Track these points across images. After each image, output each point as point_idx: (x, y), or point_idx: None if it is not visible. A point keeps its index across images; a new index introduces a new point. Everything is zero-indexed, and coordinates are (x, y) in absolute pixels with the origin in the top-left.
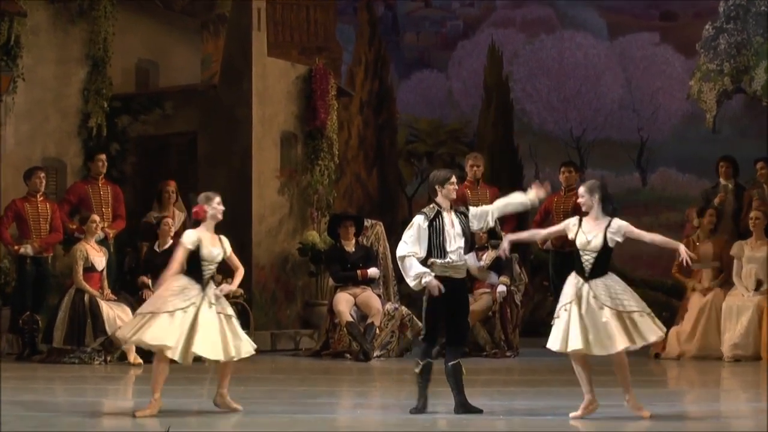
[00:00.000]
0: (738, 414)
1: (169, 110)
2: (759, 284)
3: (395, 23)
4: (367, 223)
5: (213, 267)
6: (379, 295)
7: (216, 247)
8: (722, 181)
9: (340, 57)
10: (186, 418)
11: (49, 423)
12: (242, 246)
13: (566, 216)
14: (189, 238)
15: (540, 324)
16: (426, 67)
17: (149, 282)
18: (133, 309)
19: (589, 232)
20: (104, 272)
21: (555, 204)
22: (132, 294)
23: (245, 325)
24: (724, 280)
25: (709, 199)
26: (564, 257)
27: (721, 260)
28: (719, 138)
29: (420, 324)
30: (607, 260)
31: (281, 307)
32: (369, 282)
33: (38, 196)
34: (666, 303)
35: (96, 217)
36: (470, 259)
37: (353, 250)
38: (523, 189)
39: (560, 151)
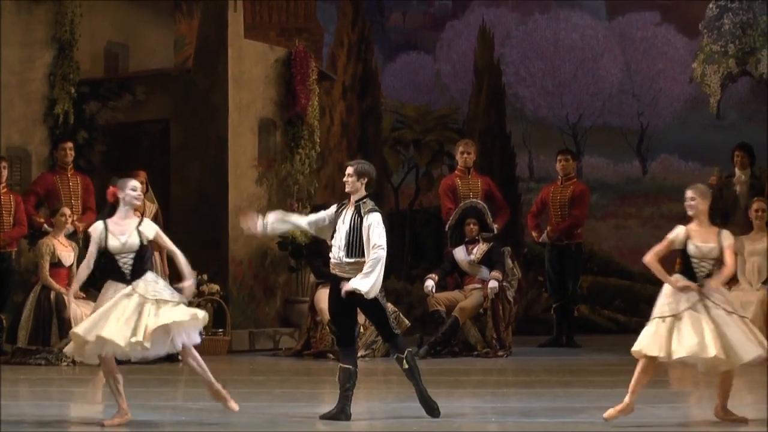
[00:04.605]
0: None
1: (140, 96)
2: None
3: (380, 2)
4: None
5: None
6: None
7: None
8: (737, 171)
9: (321, 38)
10: (158, 421)
11: (11, 429)
12: (218, 240)
13: (563, 207)
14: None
15: (534, 321)
16: (413, 49)
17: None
18: None
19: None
20: (73, 268)
21: (552, 194)
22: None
23: (222, 324)
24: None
25: (721, 191)
26: (560, 251)
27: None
28: (724, 124)
29: (407, 322)
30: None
31: (260, 304)
32: None
33: (1, 188)
34: None
35: (66, 211)
36: (460, 252)
37: None
38: (515, 177)
39: (555, 138)
